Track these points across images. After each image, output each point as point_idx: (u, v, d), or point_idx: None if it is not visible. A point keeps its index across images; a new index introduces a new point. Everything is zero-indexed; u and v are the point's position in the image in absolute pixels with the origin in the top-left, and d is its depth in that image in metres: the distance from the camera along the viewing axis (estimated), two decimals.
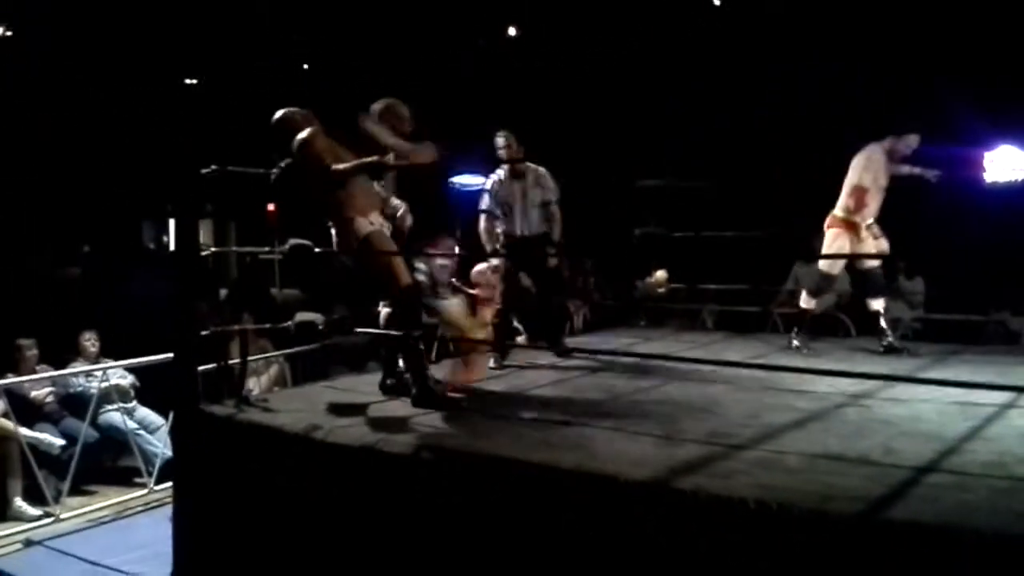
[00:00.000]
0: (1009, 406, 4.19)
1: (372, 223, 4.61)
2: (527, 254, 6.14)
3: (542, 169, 6.32)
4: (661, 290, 9.42)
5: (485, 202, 6.27)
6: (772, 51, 11.41)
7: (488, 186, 6.31)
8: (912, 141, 6.15)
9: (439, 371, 5.07)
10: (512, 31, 13.63)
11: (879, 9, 10.56)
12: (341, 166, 4.51)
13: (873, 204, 6.16)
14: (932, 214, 9.38)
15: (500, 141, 6.21)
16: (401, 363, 4.90)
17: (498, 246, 6.18)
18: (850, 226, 6.16)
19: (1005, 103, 9.82)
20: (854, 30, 10.84)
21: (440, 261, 5.72)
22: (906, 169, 6.15)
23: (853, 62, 10.80)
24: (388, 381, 5.03)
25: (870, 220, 6.18)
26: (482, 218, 6.24)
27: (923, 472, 3.17)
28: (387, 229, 4.76)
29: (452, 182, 16.14)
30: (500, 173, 6.28)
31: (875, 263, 6.33)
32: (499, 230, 6.21)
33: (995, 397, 4.26)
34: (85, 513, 5.99)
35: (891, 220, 6.18)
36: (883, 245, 6.20)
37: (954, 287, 8.75)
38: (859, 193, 6.13)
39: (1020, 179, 11.05)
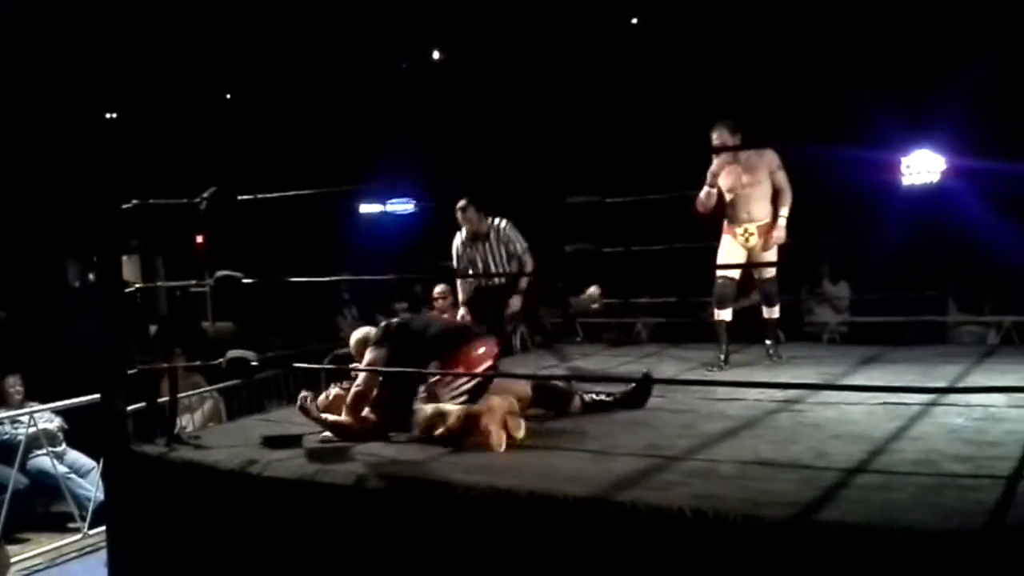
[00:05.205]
0: (933, 404, 4.31)
1: None
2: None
3: (503, 223, 6.42)
4: (595, 306, 9.47)
5: (454, 264, 6.55)
6: (690, 64, 11.63)
7: (453, 250, 6.46)
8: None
9: None
10: (436, 54, 13.68)
11: (797, 14, 10.84)
12: None
13: (732, 210, 5.99)
14: (852, 217, 9.63)
15: (459, 215, 6.29)
16: None
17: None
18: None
19: (920, 108, 10.13)
20: (773, 36, 11.11)
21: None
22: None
23: (773, 68, 11.07)
24: None
25: (744, 224, 5.96)
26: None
27: (853, 473, 3.24)
28: None
29: (385, 208, 16.16)
30: (460, 236, 6.40)
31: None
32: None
33: (920, 396, 4.39)
34: (18, 562, 5.82)
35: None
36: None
37: (876, 289, 8.96)
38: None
39: (936, 181, 11.40)
